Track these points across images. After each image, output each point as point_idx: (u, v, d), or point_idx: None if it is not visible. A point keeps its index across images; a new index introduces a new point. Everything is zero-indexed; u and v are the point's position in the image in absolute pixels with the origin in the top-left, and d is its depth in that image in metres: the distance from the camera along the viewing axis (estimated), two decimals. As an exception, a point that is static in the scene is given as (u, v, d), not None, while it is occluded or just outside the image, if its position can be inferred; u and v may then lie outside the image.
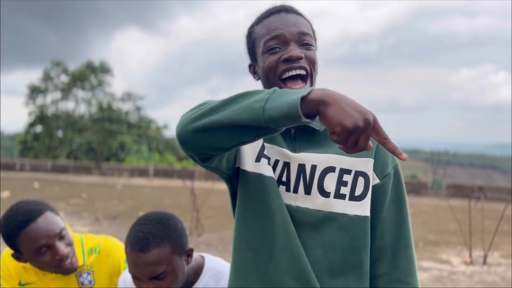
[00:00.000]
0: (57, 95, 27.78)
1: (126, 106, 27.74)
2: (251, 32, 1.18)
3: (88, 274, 1.66)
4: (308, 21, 1.17)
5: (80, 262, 1.64)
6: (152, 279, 1.31)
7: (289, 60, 1.08)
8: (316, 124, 1.12)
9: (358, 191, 1.10)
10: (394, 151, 0.84)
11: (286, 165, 1.11)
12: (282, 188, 1.12)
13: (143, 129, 26.75)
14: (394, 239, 1.13)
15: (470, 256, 5.53)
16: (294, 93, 0.88)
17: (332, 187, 1.09)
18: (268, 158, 1.12)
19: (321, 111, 0.84)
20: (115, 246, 1.71)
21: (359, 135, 0.82)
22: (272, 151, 1.13)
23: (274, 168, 1.12)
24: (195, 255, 1.51)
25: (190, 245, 1.42)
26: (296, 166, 1.11)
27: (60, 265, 1.54)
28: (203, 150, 1.00)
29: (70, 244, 1.57)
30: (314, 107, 0.85)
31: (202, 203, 7.43)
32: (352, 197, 1.09)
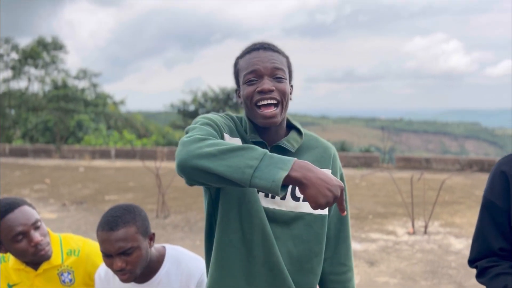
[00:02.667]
0: (8, 73, 26.76)
1: (81, 84, 27.09)
2: (236, 64, 1.41)
3: (69, 273, 1.85)
4: (284, 56, 1.39)
5: (58, 260, 1.83)
6: (121, 254, 1.55)
7: (262, 91, 1.32)
8: (288, 145, 1.39)
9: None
10: (340, 209, 1.16)
11: None
12: (261, 194, 1.35)
13: (100, 107, 26.27)
14: (337, 231, 1.47)
15: (413, 226, 6.11)
16: (280, 166, 1.08)
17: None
18: None
19: (300, 189, 1.09)
20: (94, 251, 1.90)
21: (330, 204, 1.09)
22: None
23: None
24: (158, 245, 1.75)
25: (153, 231, 1.69)
26: None
27: (35, 252, 1.72)
28: (196, 182, 1.17)
29: (44, 235, 1.76)
30: (294, 184, 1.09)
31: (167, 185, 7.71)
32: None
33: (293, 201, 1.38)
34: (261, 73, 1.33)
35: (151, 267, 1.68)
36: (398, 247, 5.48)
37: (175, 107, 28.64)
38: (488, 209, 1.41)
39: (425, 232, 5.99)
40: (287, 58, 1.41)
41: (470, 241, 5.73)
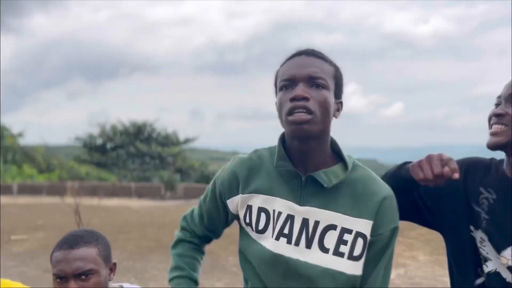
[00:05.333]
0: None
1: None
2: (277, 72, 1.25)
3: None
4: (332, 65, 1.22)
5: None
6: (77, 277, 1.37)
7: (294, 99, 1.14)
8: (324, 179, 1.17)
9: (357, 251, 1.15)
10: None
11: (290, 217, 1.19)
12: (283, 240, 1.18)
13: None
14: None
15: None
16: None
17: (332, 244, 1.15)
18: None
19: None
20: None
21: None
22: (274, 203, 1.21)
23: (276, 220, 1.20)
24: (114, 284, 1.56)
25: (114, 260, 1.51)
26: (300, 220, 1.18)
27: None
28: None
29: None
30: None
31: (87, 222, 7.12)
32: (351, 257, 1.15)
33: (321, 252, 1.16)
34: (296, 79, 1.16)
35: None
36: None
37: (81, 140, 27.25)
38: None
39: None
40: (335, 68, 1.23)
41: (399, 271, 6.11)
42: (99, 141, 27.54)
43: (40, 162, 24.75)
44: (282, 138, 1.24)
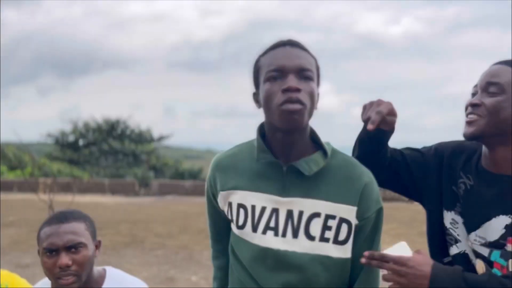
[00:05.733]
0: None
1: None
2: (257, 62, 1.23)
3: None
4: (313, 57, 1.22)
5: None
6: (69, 249, 1.40)
7: (288, 90, 1.12)
8: (306, 168, 1.18)
9: (342, 236, 1.18)
10: None
11: (275, 211, 1.20)
12: (270, 233, 1.19)
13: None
14: (362, 277, 1.23)
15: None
16: None
17: (318, 231, 1.17)
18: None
19: None
20: (13, 279, 1.70)
21: None
22: (256, 198, 1.21)
23: (260, 215, 1.21)
24: (97, 267, 1.58)
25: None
26: (285, 212, 1.19)
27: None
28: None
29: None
30: None
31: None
32: (336, 241, 1.18)
33: (308, 240, 1.18)
34: (286, 70, 1.15)
35: (90, 287, 1.50)
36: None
37: (53, 137, 26.72)
38: None
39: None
40: (315, 59, 1.23)
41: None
42: (72, 138, 27.03)
43: (11, 159, 24.19)
44: (260, 131, 1.24)
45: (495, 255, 1.31)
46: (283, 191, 1.20)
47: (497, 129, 1.28)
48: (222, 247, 1.37)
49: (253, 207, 1.21)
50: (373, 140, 1.36)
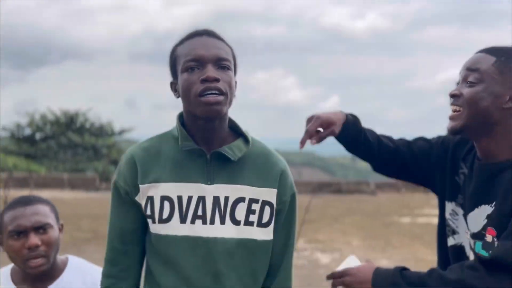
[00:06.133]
0: None
1: None
2: (173, 51, 1.23)
3: None
4: (230, 47, 1.24)
5: None
6: (37, 230, 1.41)
7: (207, 80, 1.14)
8: (230, 153, 1.20)
9: (265, 219, 1.22)
10: None
11: (201, 199, 1.20)
12: (199, 222, 1.18)
13: None
14: (280, 258, 1.26)
15: (283, 244, 6.35)
16: None
17: (242, 216, 1.20)
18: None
19: None
20: None
21: None
22: (182, 188, 1.20)
23: (188, 205, 1.19)
24: (59, 256, 1.58)
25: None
26: (211, 199, 1.20)
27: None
28: None
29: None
30: None
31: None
32: (260, 224, 1.21)
33: (234, 225, 1.20)
34: (204, 59, 1.17)
35: (51, 273, 1.49)
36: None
37: (8, 130, 25.72)
38: None
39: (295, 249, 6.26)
40: (232, 48, 1.25)
41: (334, 255, 6.36)
42: (28, 132, 26.10)
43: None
44: (180, 120, 1.25)
45: (478, 247, 1.29)
46: (208, 179, 1.21)
47: (477, 121, 1.25)
48: (127, 264, 1.26)
49: (180, 198, 1.20)
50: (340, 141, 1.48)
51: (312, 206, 9.66)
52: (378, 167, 1.55)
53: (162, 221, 1.20)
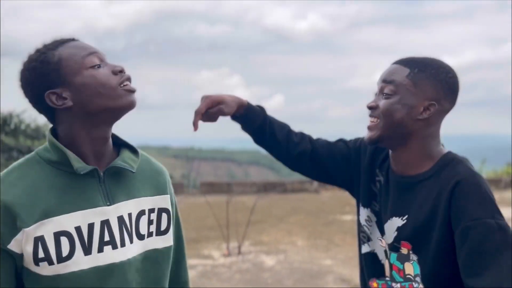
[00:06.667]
0: None
1: None
2: (52, 57, 1.11)
3: None
4: None
5: None
6: None
7: (122, 71, 1.14)
8: (127, 165, 1.15)
9: (163, 226, 1.21)
10: None
11: (105, 223, 1.11)
12: (108, 248, 1.10)
13: None
14: (176, 253, 1.30)
15: (228, 248, 6.27)
16: None
17: (145, 229, 1.17)
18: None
19: None
20: None
21: None
22: (79, 217, 1.09)
23: (90, 234, 1.09)
24: None
25: None
26: (116, 220, 1.13)
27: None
28: None
29: None
30: None
31: None
32: (159, 232, 1.20)
33: (140, 241, 1.16)
34: (103, 58, 1.15)
35: None
36: (217, 270, 5.54)
37: None
38: None
39: (239, 253, 6.22)
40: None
41: (279, 257, 6.37)
42: (-44, 135, 24.44)
43: None
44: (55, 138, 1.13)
45: (393, 258, 1.32)
46: (108, 199, 1.13)
47: (393, 132, 1.27)
48: None
49: (78, 228, 1.08)
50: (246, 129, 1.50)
51: (257, 206, 9.68)
52: (292, 166, 1.53)
53: (62, 260, 1.07)
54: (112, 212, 1.12)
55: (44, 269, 1.07)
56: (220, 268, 5.64)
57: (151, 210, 1.19)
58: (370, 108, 1.30)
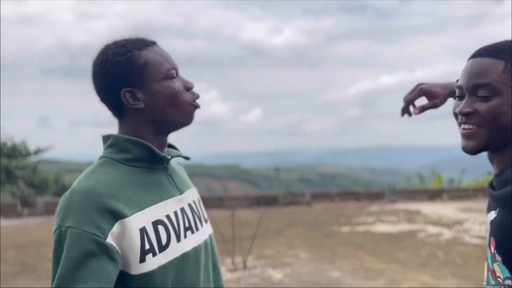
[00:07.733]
0: None
1: None
2: (136, 56, 1.13)
3: None
4: None
5: None
6: None
7: (191, 88, 1.20)
8: (181, 152, 1.28)
9: (205, 214, 1.33)
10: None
11: (182, 210, 1.19)
12: (189, 233, 1.18)
13: None
14: None
15: (233, 263, 6.18)
16: None
17: (205, 213, 1.32)
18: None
19: None
20: None
21: None
22: (165, 207, 1.13)
23: (177, 221, 1.15)
24: None
25: None
26: (188, 207, 1.22)
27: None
28: None
29: None
30: None
31: None
32: (206, 220, 1.31)
33: (206, 224, 1.30)
34: (177, 69, 1.21)
35: None
36: (226, 286, 5.43)
37: None
38: None
39: (245, 267, 6.12)
40: None
41: (286, 271, 6.29)
42: None
43: None
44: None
45: (488, 257, 1.18)
46: (177, 189, 1.22)
47: (498, 138, 1.11)
48: None
49: (168, 216, 1.14)
50: None
51: (252, 220, 9.59)
52: None
53: (163, 248, 1.09)
54: (184, 200, 1.21)
55: (147, 264, 1.04)
56: (229, 283, 5.54)
57: (199, 200, 1.32)
58: (465, 114, 1.12)
